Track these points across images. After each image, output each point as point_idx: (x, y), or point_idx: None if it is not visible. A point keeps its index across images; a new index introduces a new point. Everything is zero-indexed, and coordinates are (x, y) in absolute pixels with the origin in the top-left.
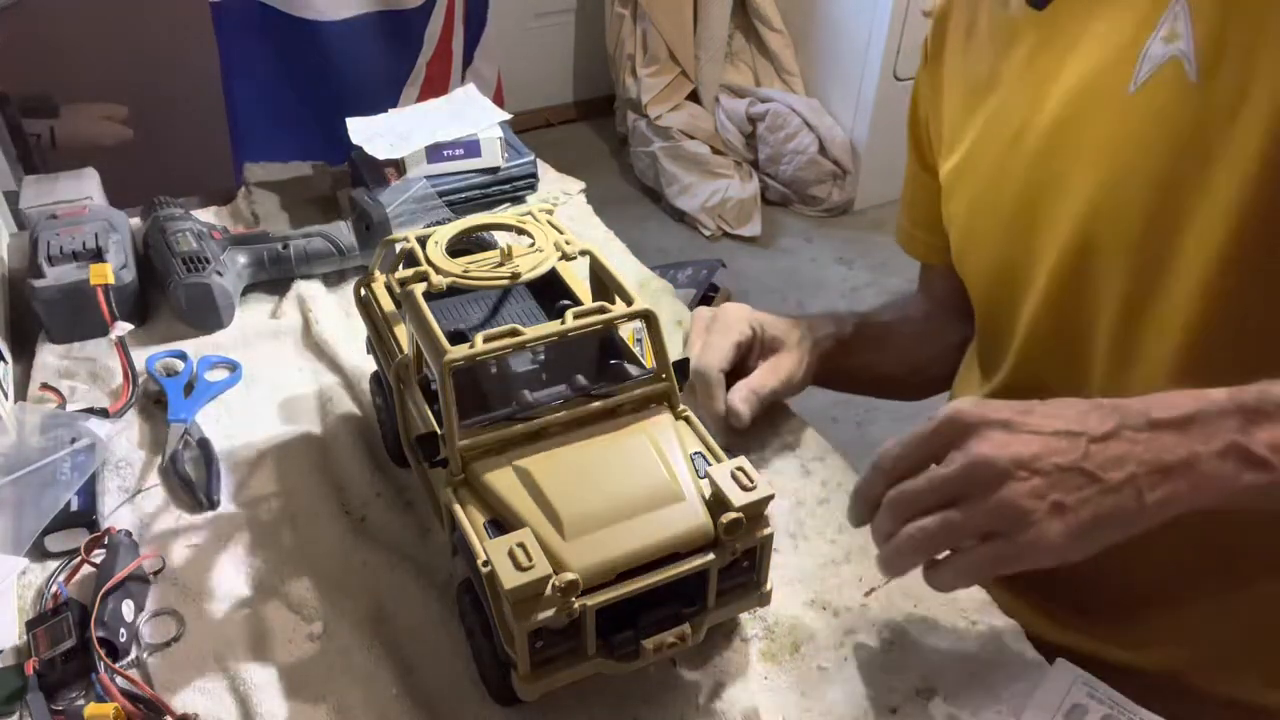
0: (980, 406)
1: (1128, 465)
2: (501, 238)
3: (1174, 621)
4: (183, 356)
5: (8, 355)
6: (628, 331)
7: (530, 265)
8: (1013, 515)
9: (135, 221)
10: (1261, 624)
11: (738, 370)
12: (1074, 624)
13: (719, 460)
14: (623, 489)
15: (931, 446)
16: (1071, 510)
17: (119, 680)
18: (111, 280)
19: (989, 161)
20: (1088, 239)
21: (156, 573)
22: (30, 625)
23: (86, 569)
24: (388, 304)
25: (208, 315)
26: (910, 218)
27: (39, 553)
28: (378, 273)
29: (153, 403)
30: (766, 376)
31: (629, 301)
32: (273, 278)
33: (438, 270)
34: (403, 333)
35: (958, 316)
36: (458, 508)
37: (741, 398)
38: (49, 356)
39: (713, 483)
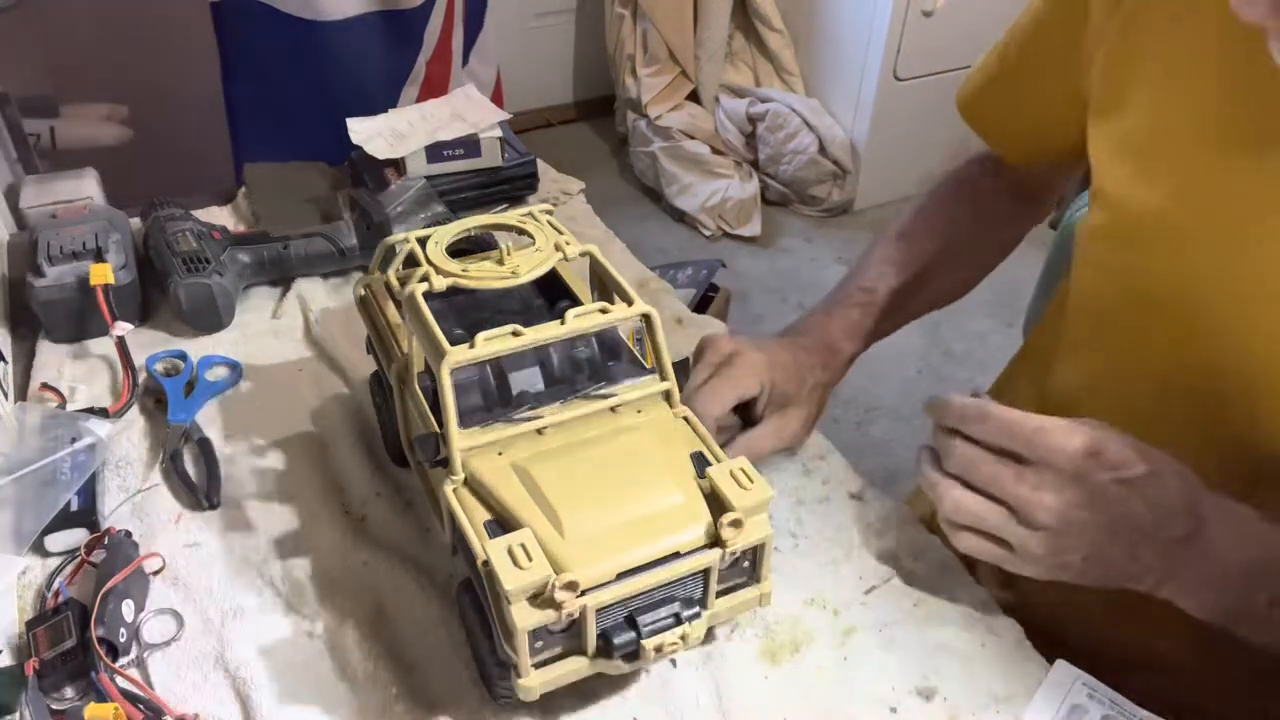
0: (1114, 451)
1: (1172, 569)
2: (501, 238)
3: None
4: (183, 356)
5: (8, 355)
6: (628, 331)
7: (530, 265)
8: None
9: (135, 221)
10: None
11: (739, 409)
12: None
13: (719, 460)
14: (623, 489)
15: (1019, 446)
16: (1085, 559)
17: (119, 680)
18: (111, 280)
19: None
20: None
21: (156, 573)
22: (30, 625)
23: (86, 569)
24: (388, 304)
25: (208, 315)
26: (1006, 100)
27: (39, 553)
28: (378, 273)
29: (153, 403)
30: (768, 439)
31: (629, 301)
32: (273, 278)
33: (438, 270)
34: (403, 333)
35: (1029, 203)
36: (458, 508)
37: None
38: (49, 356)
39: (713, 483)
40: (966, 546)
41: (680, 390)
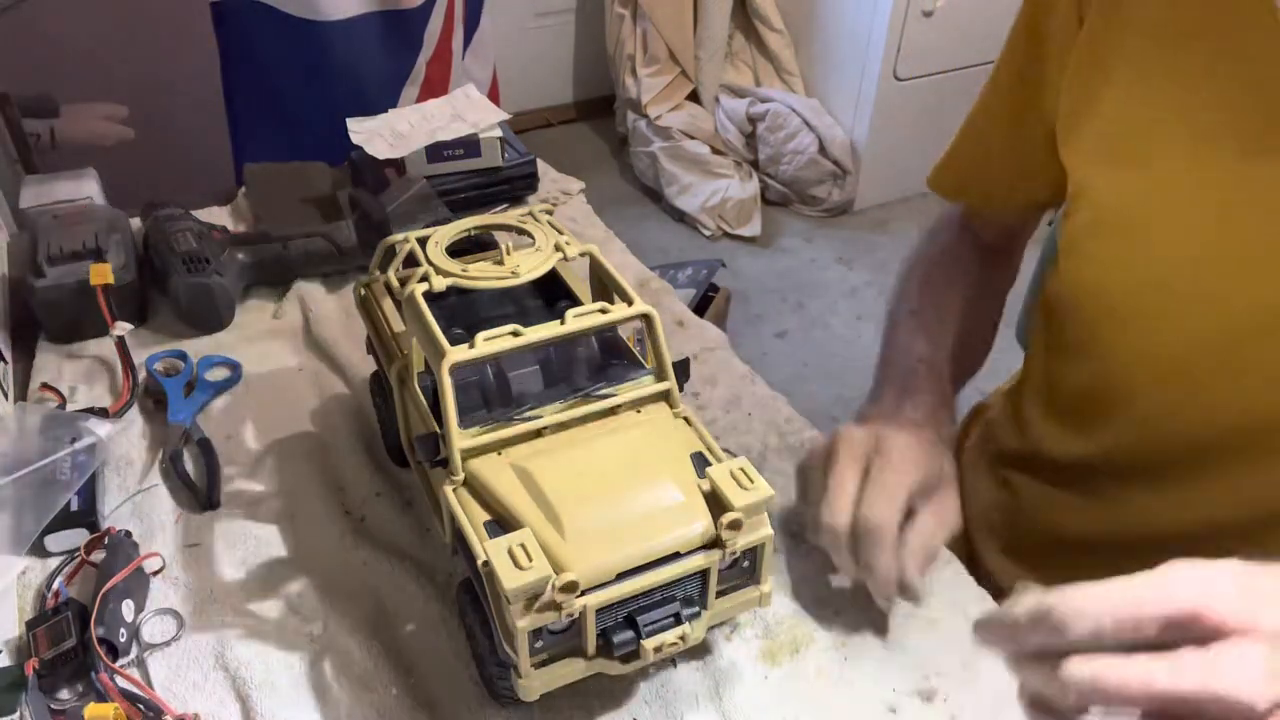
0: (1233, 598)
1: None
2: (501, 238)
3: None
4: (183, 356)
5: (8, 355)
6: (628, 332)
7: (530, 265)
8: None
9: (135, 221)
10: None
11: None
12: None
13: (719, 460)
14: (622, 489)
15: (1149, 633)
16: None
17: (119, 680)
18: (111, 280)
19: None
20: None
21: (156, 573)
22: (30, 625)
23: (86, 569)
24: (388, 304)
25: (208, 315)
26: (977, 154)
27: (39, 553)
28: (378, 273)
29: (153, 403)
30: (937, 530)
31: (629, 301)
32: (273, 278)
33: (438, 270)
34: (403, 333)
35: (1004, 260)
36: (458, 508)
37: (917, 566)
38: (49, 356)
39: (713, 483)
40: None
41: (680, 391)
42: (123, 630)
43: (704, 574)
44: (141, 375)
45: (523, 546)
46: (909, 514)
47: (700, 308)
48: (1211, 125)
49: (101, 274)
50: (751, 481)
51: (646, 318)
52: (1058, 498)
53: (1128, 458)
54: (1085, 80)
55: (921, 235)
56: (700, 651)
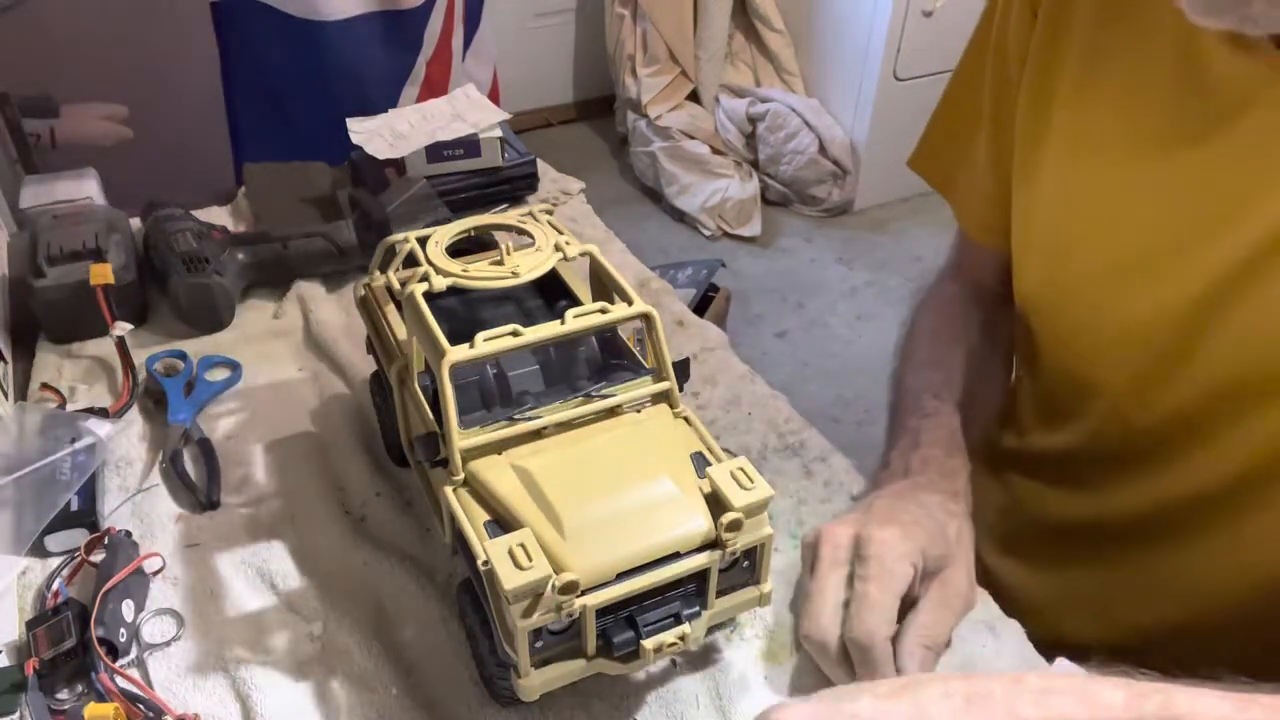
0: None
1: None
2: (501, 238)
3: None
4: (183, 356)
5: (8, 355)
6: (628, 332)
7: (530, 265)
8: None
9: (135, 221)
10: None
11: None
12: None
13: (719, 460)
14: (623, 489)
15: None
16: None
17: (119, 680)
18: (111, 280)
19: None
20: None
21: (156, 573)
22: (30, 625)
23: (86, 569)
24: (388, 304)
25: (208, 315)
26: (975, 189)
27: (39, 553)
28: (378, 273)
29: (153, 403)
30: (941, 617)
31: (629, 302)
32: (273, 278)
33: (438, 270)
34: (403, 332)
35: (1004, 301)
36: (458, 508)
37: (919, 662)
38: (49, 356)
39: (713, 482)
40: None
41: (680, 391)
42: (123, 630)
43: (704, 574)
44: (141, 375)
45: (523, 546)
46: (911, 602)
47: (700, 308)
48: (1133, 127)
49: (101, 274)
50: (751, 481)
51: (646, 318)
52: (1047, 492)
53: (1103, 446)
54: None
55: (917, 294)
56: (700, 651)
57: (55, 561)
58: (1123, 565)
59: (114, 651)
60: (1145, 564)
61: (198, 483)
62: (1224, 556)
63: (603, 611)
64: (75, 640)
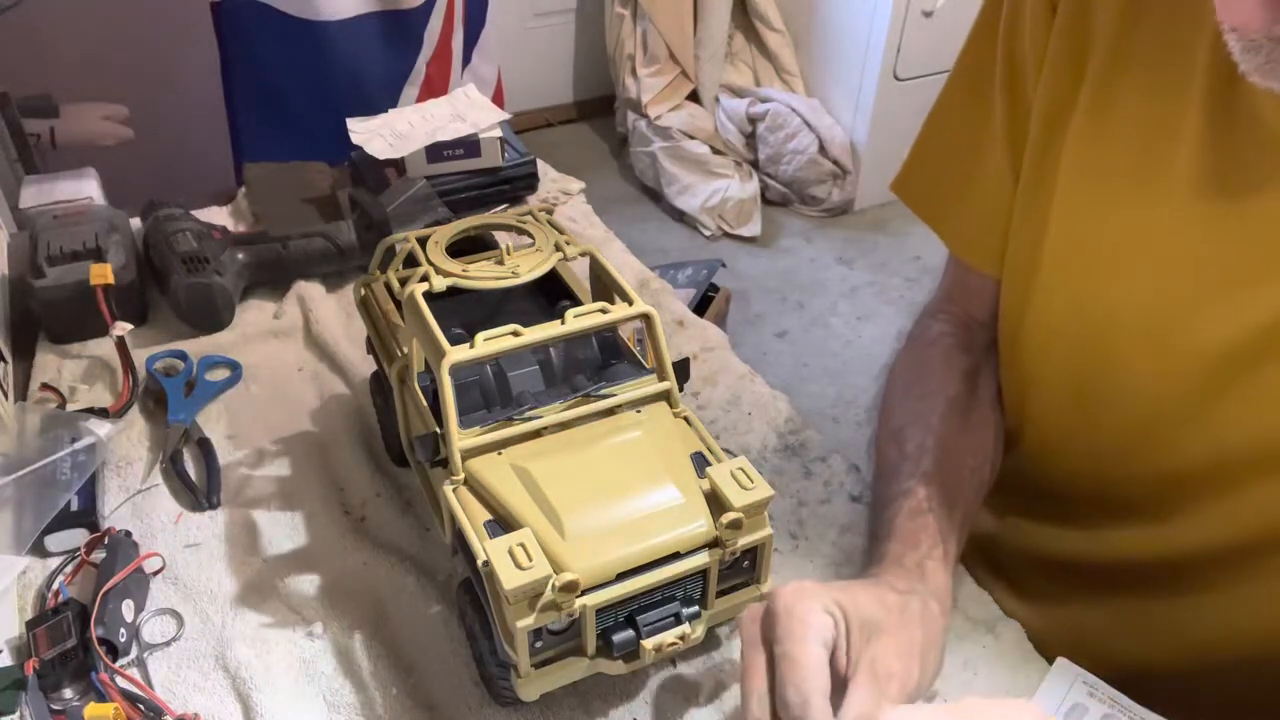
0: None
1: None
2: (501, 238)
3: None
4: (183, 356)
5: (8, 355)
6: (628, 332)
7: (530, 265)
8: None
9: (135, 221)
10: None
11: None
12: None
13: (719, 460)
14: (623, 489)
15: None
16: None
17: (119, 680)
18: (111, 280)
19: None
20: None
21: (156, 573)
22: (30, 625)
23: (86, 569)
24: (388, 304)
25: (208, 315)
26: (974, 211)
27: (39, 553)
28: (378, 273)
29: (153, 403)
30: (866, 697)
31: (629, 301)
32: (273, 278)
33: (438, 270)
34: (403, 333)
35: (991, 349)
36: (458, 508)
37: None
38: (49, 356)
39: (713, 483)
40: None
41: (680, 391)
42: (123, 630)
43: (704, 574)
44: (142, 375)
45: (523, 546)
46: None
47: (700, 308)
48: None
49: (101, 274)
50: (751, 481)
51: (646, 318)
52: (1044, 528)
53: (1100, 491)
54: (1054, 120)
55: (900, 338)
56: (701, 651)
57: (55, 561)
58: (1121, 607)
59: (114, 651)
60: (1142, 609)
61: (198, 483)
62: (1221, 615)
63: (603, 611)
64: (75, 640)
